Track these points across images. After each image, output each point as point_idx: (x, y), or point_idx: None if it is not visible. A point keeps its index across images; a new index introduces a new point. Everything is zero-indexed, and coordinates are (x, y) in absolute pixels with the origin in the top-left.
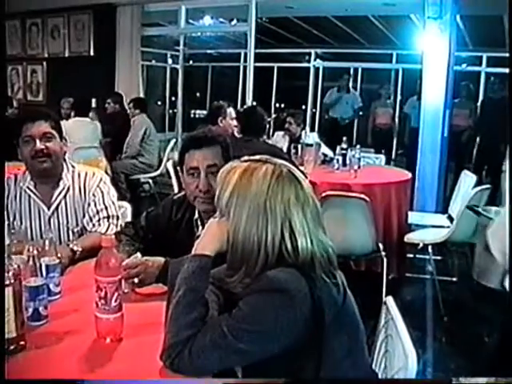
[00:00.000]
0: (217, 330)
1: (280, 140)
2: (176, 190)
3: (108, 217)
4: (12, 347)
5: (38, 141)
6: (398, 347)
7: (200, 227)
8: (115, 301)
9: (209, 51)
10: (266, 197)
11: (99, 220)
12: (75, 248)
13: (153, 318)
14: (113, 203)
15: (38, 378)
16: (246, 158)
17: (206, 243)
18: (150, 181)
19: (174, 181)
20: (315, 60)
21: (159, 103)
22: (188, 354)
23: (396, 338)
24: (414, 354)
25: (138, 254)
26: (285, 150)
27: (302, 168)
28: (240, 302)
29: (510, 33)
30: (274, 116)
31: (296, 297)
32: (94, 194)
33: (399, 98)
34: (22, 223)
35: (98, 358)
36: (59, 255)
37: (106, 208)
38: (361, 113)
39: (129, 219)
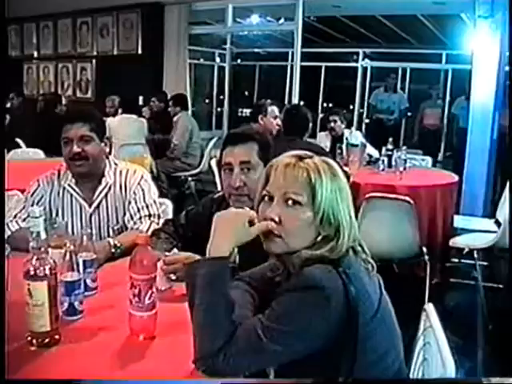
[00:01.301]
0: (252, 333)
1: (323, 140)
2: (219, 188)
3: (149, 215)
4: (46, 341)
5: (75, 143)
6: (436, 356)
7: None
8: (149, 298)
9: (256, 50)
10: None
11: (140, 218)
12: (114, 244)
13: (187, 317)
14: (154, 202)
15: (72, 372)
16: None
17: (219, 242)
18: (190, 178)
19: (217, 179)
20: (363, 59)
21: (207, 101)
22: (222, 361)
23: (434, 346)
24: (453, 364)
25: (175, 250)
26: (328, 149)
27: (346, 168)
28: (273, 302)
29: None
30: (321, 116)
31: (331, 295)
32: (134, 192)
33: (448, 98)
34: (63, 219)
35: (131, 355)
36: (97, 251)
37: (147, 206)
38: (408, 113)
39: (170, 216)
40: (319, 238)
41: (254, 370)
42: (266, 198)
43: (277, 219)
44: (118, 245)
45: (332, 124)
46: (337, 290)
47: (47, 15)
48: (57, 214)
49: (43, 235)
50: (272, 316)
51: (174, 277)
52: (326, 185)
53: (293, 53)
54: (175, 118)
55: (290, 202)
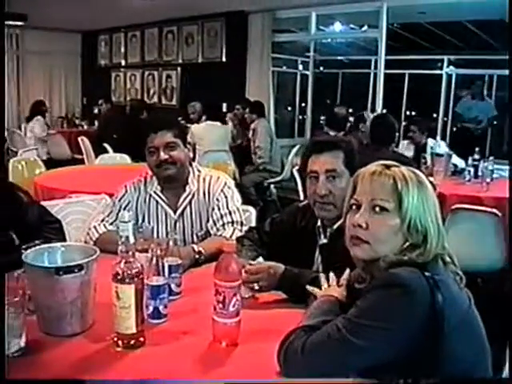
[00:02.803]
0: (332, 326)
1: (406, 148)
2: (302, 196)
3: (232, 222)
4: (131, 343)
5: (161, 151)
6: None
7: (322, 235)
8: (233, 306)
9: (339, 57)
10: None
11: (223, 225)
12: (199, 250)
13: (270, 325)
14: (237, 209)
15: (155, 374)
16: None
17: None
18: (272, 185)
19: (300, 187)
20: (448, 67)
21: (289, 109)
22: (301, 350)
23: None
24: None
25: (261, 259)
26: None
27: (431, 179)
28: (358, 300)
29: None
30: (403, 124)
31: (416, 293)
32: (217, 199)
33: None
34: (149, 225)
35: (212, 361)
36: (182, 257)
37: (230, 213)
38: (495, 122)
39: (253, 223)
40: (406, 245)
41: (332, 366)
42: (354, 206)
43: (364, 225)
44: (202, 251)
45: (411, 134)
46: (422, 291)
47: (135, 25)
48: (143, 220)
49: (132, 239)
50: (355, 312)
51: (256, 286)
52: (412, 192)
53: (376, 60)
54: (253, 125)
55: (377, 208)
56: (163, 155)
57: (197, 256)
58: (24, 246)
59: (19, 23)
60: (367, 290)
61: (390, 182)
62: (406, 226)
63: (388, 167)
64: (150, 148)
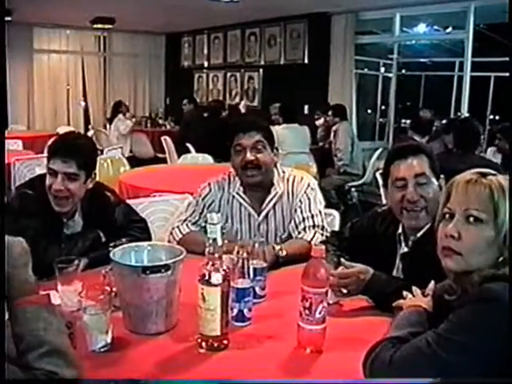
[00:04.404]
0: (421, 340)
1: (492, 157)
2: (384, 200)
3: (314, 226)
4: (215, 345)
5: (248, 151)
6: None
7: (403, 243)
8: (319, 312)
9: (422, 60)
10: None
11: (304, 228)
12: (280, 253)
13: (355, 333)
14: (319, 212)
15: (238, 378)
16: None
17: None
18: (353, 189)
19: (382, 191)
20: None
21: (369, 111)
22: (389, 362)
23: None
24: None
25: (347, 264)
26: None
27: None
28: (450, 315)
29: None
30: (488, 128)
31: (508, 310)
32: (300, 200)
33: None
34: (232, 226)
35: (296, 367)
36: (266, 258)
37: (312, 216)
38: None
39: (336, 227)
40: (501, 259)
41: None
42: (447, 215)
43: (456, 235)
44: (284, 253)
45: (497, 141)
46: None
47: (218, 27)
48: (226, 221)
49: (219, 242)
50: (447, 326)
51: (344, 291)
52: (509, 203)
53: (461, 62)
54: (334, 128)
55: (471, 218)
56: (249, 156)
57: (279, 254)
58: (111, 244)
59: (107, 26)
60: (460, 305)
61: (486, 192)
62: (501, 238)
63: (484, 175)
64: (237, 147)
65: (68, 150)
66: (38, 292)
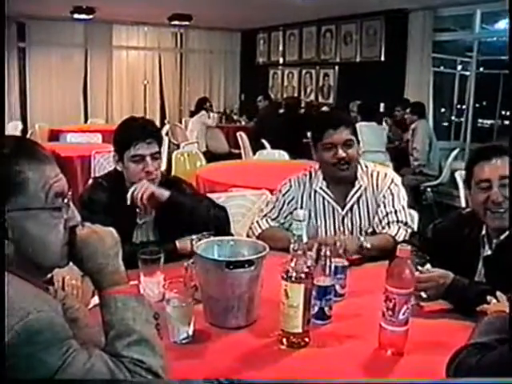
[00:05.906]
0: (508, 348)
1: None
2: (463, 202)
3: (397, 221)
4: (296, 342)
5: (340, 148)
6: None
7: (486, 246)
8: (403, 314)
9: (502, 57)
10: None
11: (388, 223)
12: (364, 245)
13: (436, 336)
14: (403, 207)
15: (317, 376)
16: None
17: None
18: (429, 189)
19: (461, 193)
20: None
21: (442, 110)
22: (475, 369)
23: None
24: None
25: (429, 266)
26: None
27: None
28: None
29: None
30: None
31: None
32: (384, 196)
33: None
34: (316, 221)
35: (376, 369)
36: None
37: (396, 212)
38: None
39: (415, 228)
40: None
41: None
42: None
43: None
44: (369, 245)
45: None
46: None
47: (294, 24)
48: (309, 216)
49: (305, 239)
50: None
51: (424, 295)
52: None
53: None
54: (413, 126)
55: None
56: (341, 153)
57: (364, 250)
58: (194, 237)
59: (184, 23)
60: None
61: None
62: None
63: None
64: (327, 144)
65: (147, 131)
66: (129, 282)
